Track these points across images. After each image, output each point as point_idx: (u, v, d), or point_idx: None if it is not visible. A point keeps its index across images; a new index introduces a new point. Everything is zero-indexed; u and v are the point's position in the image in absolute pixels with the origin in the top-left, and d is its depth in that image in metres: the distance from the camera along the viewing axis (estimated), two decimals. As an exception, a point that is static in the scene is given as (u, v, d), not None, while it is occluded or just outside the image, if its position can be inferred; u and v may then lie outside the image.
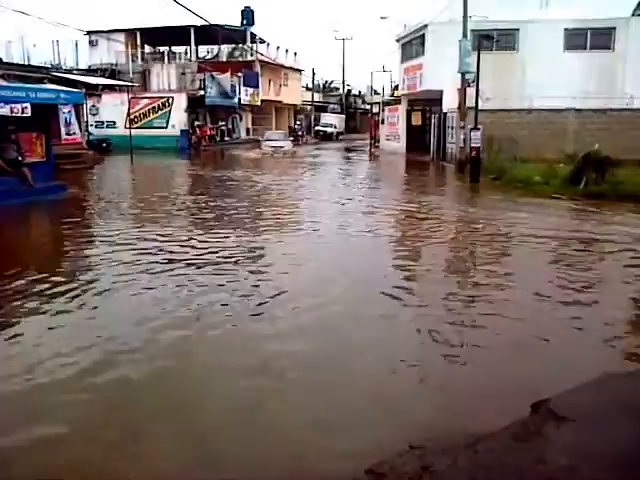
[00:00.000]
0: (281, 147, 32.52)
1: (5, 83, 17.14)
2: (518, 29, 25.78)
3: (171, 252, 8.78)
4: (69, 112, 15.27)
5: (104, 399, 4.31)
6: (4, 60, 30.97)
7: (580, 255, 8.90)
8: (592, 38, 25.63)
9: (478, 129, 19.48)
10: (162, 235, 9.97)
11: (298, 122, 51.78)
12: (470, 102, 20.83)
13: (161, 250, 8.89)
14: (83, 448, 3.70)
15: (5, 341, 5.31)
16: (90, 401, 4.26)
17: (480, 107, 20.09)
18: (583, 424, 3.39)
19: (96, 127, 33.61)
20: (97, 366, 4.75)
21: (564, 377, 4.42)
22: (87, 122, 27.88)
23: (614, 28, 25.52)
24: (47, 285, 6.90)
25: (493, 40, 23.92)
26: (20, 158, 13.68)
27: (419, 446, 3.54)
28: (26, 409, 4.17)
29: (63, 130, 15.16)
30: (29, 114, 13.29)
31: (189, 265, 7.92)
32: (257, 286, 6.96)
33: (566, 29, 25.46)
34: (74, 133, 15.94)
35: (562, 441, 3.23)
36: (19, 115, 13.18)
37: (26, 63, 34.52)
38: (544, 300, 6.54)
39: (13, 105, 13.02)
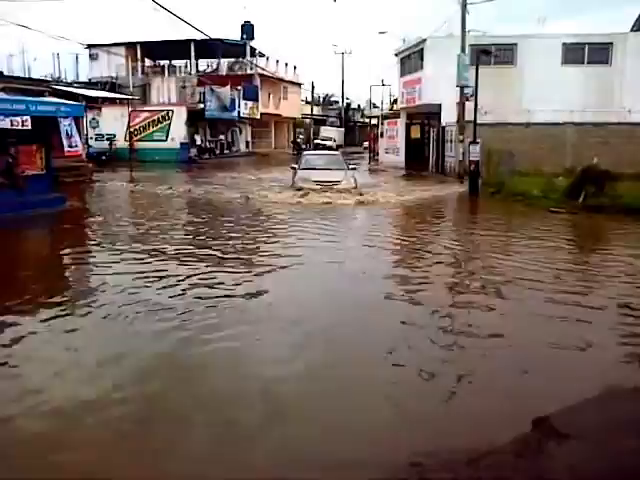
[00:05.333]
0: (335, 182, 17.45)
1: (6, 96, 17.19)
2: (516, 44, 25.90)
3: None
4: (69, 125, 15.29)
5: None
6: (5, 73, 31.14)
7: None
8: (590, 53, 25.76)
9: (477, 143, 19.48)
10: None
11: (300, 135, 51.82)
12: (469, 116, 20.90)
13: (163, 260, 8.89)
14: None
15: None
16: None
17: (479, 121, 20.13)
18: (585, 441, 3.36)
19: (96, 140, 33.61)
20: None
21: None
22: (87, 135, 27.94)
23: (611, 43, 25.69)
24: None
25: (492, 55, 24.04)
26: (12, 160, 13.50)
27: (420, 462, 3.50)
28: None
29: (65, 143, 15.16)
30: (29, 127, 13.28)
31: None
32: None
33: (564, 44, 25.61)
34: (76, 146, 15.93)
35: (563, 458, 3.20)
36: (19, 128, 13.18)
37: (27, 76, 34.73)
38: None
39: (13, 118, 13.04)
